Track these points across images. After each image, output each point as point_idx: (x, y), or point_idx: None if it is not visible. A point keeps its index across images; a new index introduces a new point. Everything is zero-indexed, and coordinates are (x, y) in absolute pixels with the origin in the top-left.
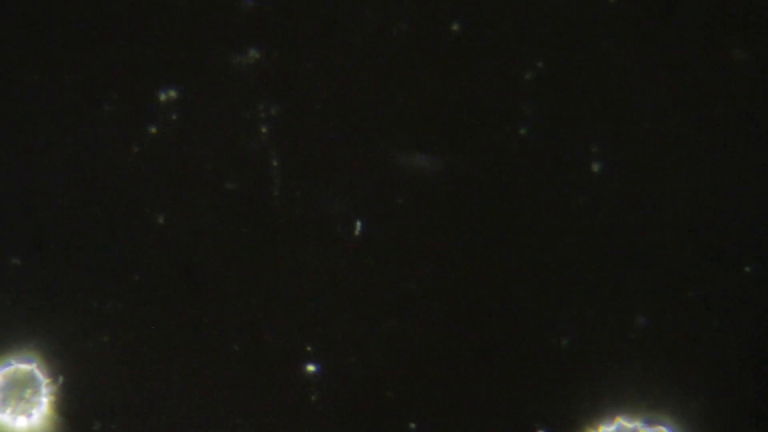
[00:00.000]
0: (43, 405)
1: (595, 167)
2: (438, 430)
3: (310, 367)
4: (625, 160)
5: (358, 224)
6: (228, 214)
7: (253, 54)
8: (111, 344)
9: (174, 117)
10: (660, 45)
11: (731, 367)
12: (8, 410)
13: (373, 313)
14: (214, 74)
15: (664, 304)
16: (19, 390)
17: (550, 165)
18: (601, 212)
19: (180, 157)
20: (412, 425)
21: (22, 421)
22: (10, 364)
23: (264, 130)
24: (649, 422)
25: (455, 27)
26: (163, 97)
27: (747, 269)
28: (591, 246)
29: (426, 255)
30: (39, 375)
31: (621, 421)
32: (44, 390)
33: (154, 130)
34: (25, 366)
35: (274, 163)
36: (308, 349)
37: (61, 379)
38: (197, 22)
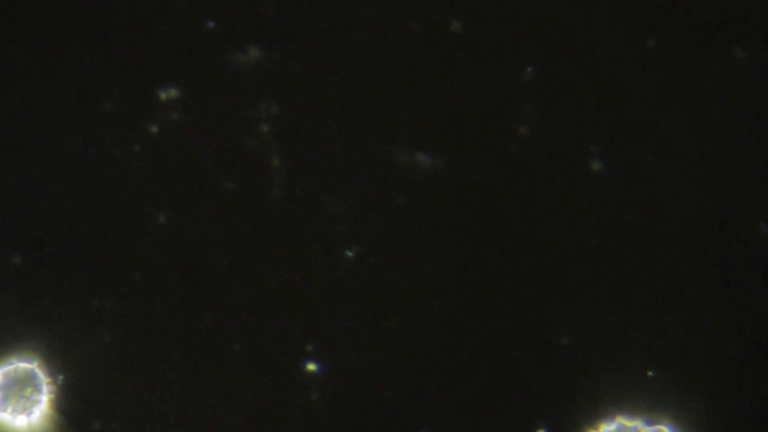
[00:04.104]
0: (43, 404)
1: (596, 166)
2: (438, 429)
3: (311, 366)
4: (625, 160)
5: (358, 254)
6: (228, 213)
7: (254, 53)
8: (111, 343)
9: (175, 116)
10: (660, 45)
11: (731, 367)
12: (8, 409)
13: (373, 312)
14: (215, 73)
15: (664, 304)
16: (19, 388)
17: (550, 164)
18: (601, 212)
19: (181, 156)
20: (413, 424)
21: (22, 420)
22: (10, 363)
23: (265, 129)
24: (650, 422)
25: (455, 27)
26: (163, 95)
27: (747, 269)
28: (591, 245)
29: (426, 255)
30: (39, 374)
31: (622, 420)
32: (45, 389)
33: (154, 129)
34: (26, 364)
35: (275, 163)
36: (309, 348)
37: (60, 378)
38: (197, 20)
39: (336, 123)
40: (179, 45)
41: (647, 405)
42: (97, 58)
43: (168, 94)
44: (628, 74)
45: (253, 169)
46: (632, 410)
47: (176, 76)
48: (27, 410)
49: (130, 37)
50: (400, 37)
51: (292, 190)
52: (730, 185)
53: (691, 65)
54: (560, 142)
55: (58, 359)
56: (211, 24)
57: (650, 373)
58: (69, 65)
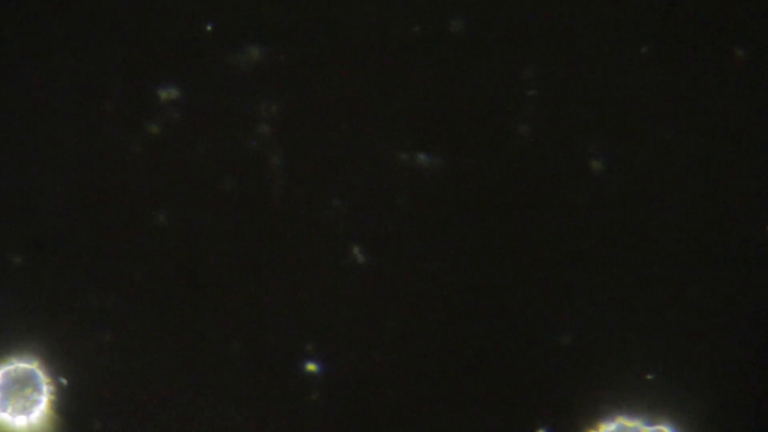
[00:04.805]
0: (43, 404)
1: (596, 166)
2: (438, 429)
3: (311, 366)
4: (625, 160)
5: (358, 254)
6: (228, 213)
7: (254, 52)
8: (112, 343)
9: (175, 115)
10: (660, 45)
11: (731, 367)
12: (8, 409)
13: (373, 312)
14: (215, 72)
15: (664, 304)
16: (19, 388)
17: (550, 164)
18: (601, 212)
19: (181, 155)
20: (413, 424)
21: (22, 420)
22: (10, 363)
23: (265, 129)
24: (650, 422)
25: (455, 27)
26: (164, 95)
27: (747, 268)
28: (591, 245)
29: (426, 255)
30: (39, 374)
31: (622, 420)
32: (45, 389)
33: (155, 128)
34: (26, 365)
35: (276, 162)
36: (309, 348)
37: (63, 381)
38: (198, 19)
39: (336, 123)
40: (179, 45)
41: (647, 405)
42: (97, 58)
43: (168, 93)
44: (628, 74)
45: (253, 169)
46: (632, 410)
47: (176, 76)
48: (27, 410)
49: (130, 37)
50: (400, 37)
51: (292, 190)
52: (730, 185)
53: (691, 66)
54: (560, 141)
55: (58, 359)
56: (211, 24)
57: (649, 377)
58: (69, 65)
